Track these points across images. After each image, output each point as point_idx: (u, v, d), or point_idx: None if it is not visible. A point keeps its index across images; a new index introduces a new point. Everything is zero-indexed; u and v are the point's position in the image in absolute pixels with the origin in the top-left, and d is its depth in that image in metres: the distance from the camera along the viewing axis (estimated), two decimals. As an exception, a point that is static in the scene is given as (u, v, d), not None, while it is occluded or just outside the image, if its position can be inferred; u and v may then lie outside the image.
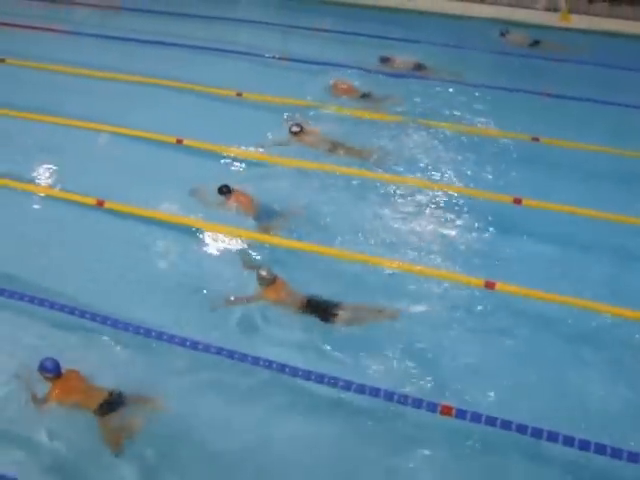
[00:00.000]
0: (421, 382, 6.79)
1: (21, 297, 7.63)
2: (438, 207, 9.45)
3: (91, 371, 6.59)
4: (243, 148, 10.67)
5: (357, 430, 6.41)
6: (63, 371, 6.36)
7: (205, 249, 8.64)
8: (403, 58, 13.63)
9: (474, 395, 6.64)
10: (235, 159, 10.42)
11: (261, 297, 7.47)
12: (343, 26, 15.70)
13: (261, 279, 7.45)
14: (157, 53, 14.51)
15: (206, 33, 15.42)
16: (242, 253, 8.38)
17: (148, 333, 7.14)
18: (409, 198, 9.59)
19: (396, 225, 9.10)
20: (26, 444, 6.21)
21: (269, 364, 6.79)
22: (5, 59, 13.90)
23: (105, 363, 6.84)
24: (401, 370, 6.94)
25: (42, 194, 9.75)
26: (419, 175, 10.12)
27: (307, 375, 6.67)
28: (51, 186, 9.91)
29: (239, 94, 12.40)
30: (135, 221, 9.03)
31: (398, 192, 9.73)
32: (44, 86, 13.02)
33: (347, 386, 6.56)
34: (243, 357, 6.87)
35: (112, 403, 6.22)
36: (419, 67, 13.43)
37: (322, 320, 7.27)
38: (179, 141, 10.75)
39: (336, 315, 7.30)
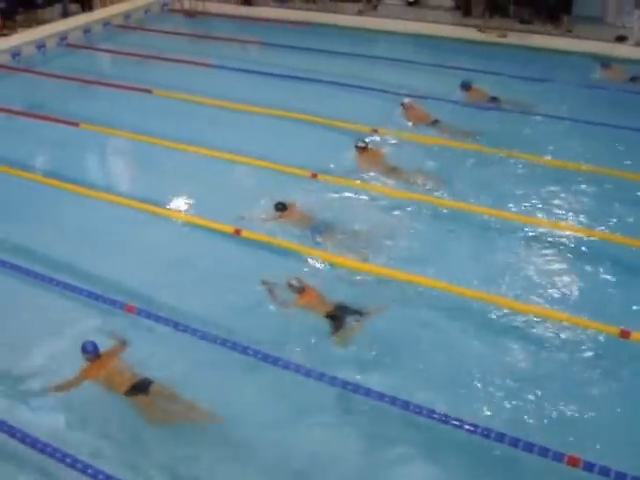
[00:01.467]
0: (545, 429, 6.56)
1: (157, 318, 7.92)
2: (556, 247, 9.26)
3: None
4: (376, 183, 10.80)
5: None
6: (102, 353, 7.05)
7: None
8: (487, 90, 13.78)
9: (605, 449, 6.31)
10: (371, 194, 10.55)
11: (294, 304, 8.00)
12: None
13: (291, 287, 8.01)
14: (294, 87, 14.88)
15: (341, 69, 15.69)
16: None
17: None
18: (534, 239, 9.44)
19: (523, 266, 8.95)
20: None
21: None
22: (153, 90, 14.61)
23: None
24: (523, 414, 6.74)
25: (181, 220, 10.11)
26: (528, 211, 10.07)
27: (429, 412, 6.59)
28: (189, 212, 10.27)
29: (375, 130, 12.50)
30: (268, 251, 9.23)
31: (524, 231, 9.63)
32: (187, 116, 13.57)
33: (474, 430, 6.39)
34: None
35: (139, 387, 6.80)
36: (495, 99, 13.56)
37: (335, 328, 7.64)
38: (314, 175, 10.94)
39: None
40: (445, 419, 6.50)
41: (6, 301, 8.45)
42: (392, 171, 10.91)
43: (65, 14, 20.35)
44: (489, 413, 6.74)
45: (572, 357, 7.43)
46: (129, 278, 8.79)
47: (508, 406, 6.85)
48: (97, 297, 8.26)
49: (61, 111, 13.70)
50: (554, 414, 6.75)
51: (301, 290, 7.99)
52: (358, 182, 10.80)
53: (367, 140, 11.39)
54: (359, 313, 7.78)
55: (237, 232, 9.48)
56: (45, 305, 8.34)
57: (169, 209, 10.33)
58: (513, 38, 17.50)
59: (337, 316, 7.74)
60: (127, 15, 20.16)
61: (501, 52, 16.90)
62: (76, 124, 13.04)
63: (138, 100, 14.38)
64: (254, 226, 9.59)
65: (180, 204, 10.51)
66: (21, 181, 11.16)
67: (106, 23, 19.57)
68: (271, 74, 15.35)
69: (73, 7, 20.53)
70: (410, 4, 20.42)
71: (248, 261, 9.08)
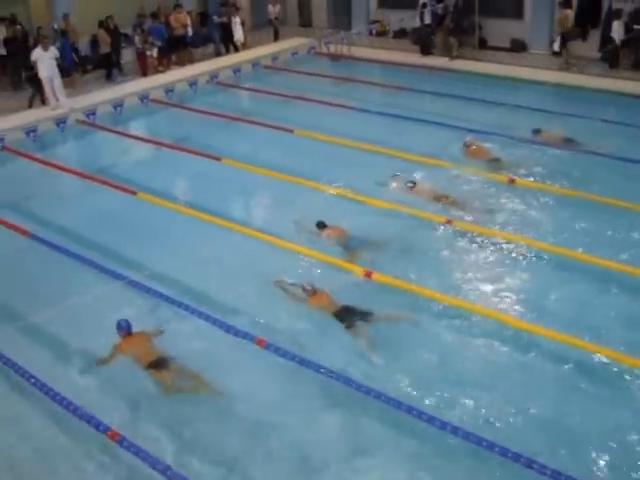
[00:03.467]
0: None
1: (283, 353, 8.06)
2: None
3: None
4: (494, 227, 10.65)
5: None
6: (133, 331, 8.17)
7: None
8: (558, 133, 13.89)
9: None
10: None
11: (305, 302, 8.95)
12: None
13: (304, 290, 8.95)
14: (431, 132, 14.91)
15: (479, 116, 15.60)
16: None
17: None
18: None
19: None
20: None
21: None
22: (294, 130, 15.06)
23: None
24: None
25: (314, 258, 10.17)
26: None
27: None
28: (320, 252, 10.28)
29: (512, 180, 12.29)
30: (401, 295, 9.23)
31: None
32: (324, 156, 13.88)
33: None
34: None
35: (160, 363, 7.79)
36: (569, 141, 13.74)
37: (346, 327, 8.46)
38: (449, 222, 10.86)
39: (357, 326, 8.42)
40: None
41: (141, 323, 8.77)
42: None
43: (218, 54, 21.42)
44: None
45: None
46: (259, 312, 9.03)
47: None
48: (228, 328, 8.50)
49: (206, 145, 14.38)
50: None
51: (312, 293, 8.90)
52: (495, 230, 10.73)
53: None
54: (366, 315, 8.51)
55: (368, 275, 9.54)
56: (179, 330, 8.70)
57: (301, 246, 10.46)
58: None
59: (344, 316, 8.53)
60: (275, 57, 20.90)
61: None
62: (218, 159, 13.61)
63: (279, 139, 14.86)
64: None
65: (311, 243, 10.61)
66: (161, 209, 11.79)
67: (255, 63, 20.38)
68: (409, 118, 15.47)
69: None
70: (555, 54, 20.08)
71: (376, 303, 8.99)
